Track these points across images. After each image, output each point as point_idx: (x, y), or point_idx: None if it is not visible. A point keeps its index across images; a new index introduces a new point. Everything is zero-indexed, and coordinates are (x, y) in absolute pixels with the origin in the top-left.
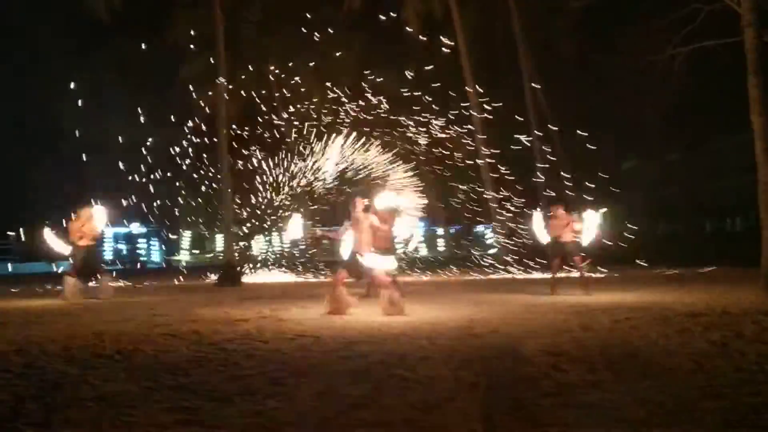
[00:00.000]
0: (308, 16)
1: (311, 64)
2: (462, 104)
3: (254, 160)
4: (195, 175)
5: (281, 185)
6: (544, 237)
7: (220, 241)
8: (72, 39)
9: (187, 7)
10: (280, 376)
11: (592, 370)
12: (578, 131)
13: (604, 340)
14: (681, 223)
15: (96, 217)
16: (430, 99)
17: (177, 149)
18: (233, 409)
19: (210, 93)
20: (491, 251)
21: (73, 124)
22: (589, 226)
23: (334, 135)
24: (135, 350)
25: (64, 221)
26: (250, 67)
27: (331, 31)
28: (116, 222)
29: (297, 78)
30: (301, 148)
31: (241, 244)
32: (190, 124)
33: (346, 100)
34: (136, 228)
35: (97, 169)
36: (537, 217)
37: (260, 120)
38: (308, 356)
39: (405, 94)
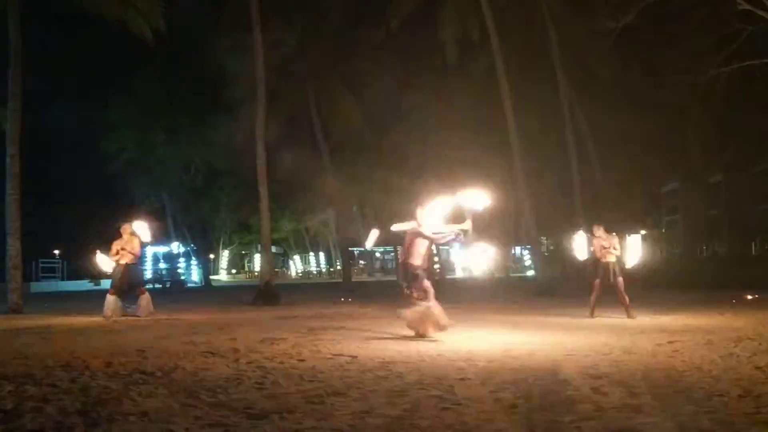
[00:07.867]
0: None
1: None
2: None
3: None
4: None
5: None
6: (583, 254)
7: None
8: (117, 61)
9: (228, 31)
10: (318, 394)
11: (634, 393)
12: (618, 153)
13: (646, 363)
14: (724, 245)
15: (138, 234)
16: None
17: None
18: (271, 426)
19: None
20: (530, 273)
21: (115, 143)
22: (631, 249)
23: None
24: (175, 367)
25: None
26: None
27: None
28: (156, 241)
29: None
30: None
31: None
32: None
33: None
34: (176, 247)
35: (138, 187)
36: (579, 237)
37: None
38: (345, 375)
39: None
